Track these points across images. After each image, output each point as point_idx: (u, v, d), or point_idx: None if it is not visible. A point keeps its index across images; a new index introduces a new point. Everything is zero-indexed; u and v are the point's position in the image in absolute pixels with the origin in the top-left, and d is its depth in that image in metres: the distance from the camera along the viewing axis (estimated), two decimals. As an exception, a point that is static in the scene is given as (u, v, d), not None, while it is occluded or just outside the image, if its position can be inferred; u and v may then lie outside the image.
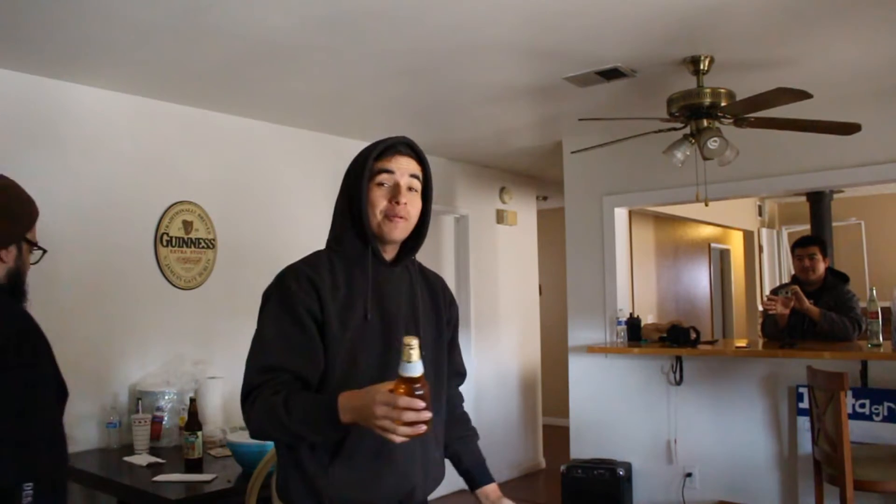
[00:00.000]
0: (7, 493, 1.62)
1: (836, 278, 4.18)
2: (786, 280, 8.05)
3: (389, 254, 1.76)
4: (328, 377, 1.64)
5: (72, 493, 3.24)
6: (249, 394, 1.59)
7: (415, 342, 1.37)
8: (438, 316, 1.85)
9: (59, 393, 1.79)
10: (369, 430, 1.45)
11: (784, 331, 4.07)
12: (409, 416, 1.36)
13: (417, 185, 1.73)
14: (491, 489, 1.88)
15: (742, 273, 8.22)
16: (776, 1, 2.78)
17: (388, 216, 1.69)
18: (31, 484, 1.62)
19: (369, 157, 1.69)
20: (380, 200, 1.68)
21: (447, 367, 1.86)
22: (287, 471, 1.68)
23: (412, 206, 1.71)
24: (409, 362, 1.36)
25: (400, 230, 1.71)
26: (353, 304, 1.67)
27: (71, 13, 2.75)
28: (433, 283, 1.89)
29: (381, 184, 1.69)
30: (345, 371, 1.64)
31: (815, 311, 3.98)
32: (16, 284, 1.97)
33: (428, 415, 1.37)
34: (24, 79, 3.41)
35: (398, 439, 1.39)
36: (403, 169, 1.70)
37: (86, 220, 3.59)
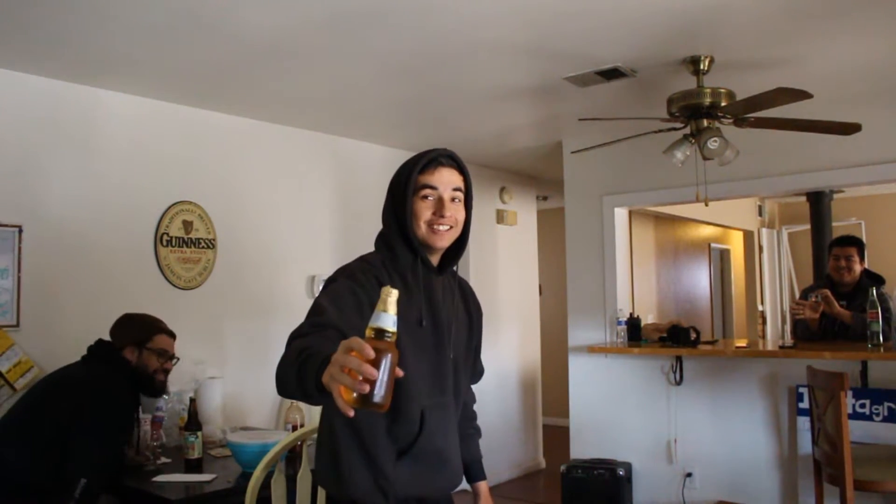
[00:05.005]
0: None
1: (872, 280, 4.03)
2: (786, 278, 8.11)
3: (434, 262, 1.83)
4: None
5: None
6: (295, 338, 1.49)
7: (395, 292, 1.24)
8: (470, 321, 1.95)
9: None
10: (436, 430, 1.65)
11: (816, 334, 4.03)
12: (352, 361, 1.14)
13: (460, 196, 1.79)
14: (482, 486, 2.06)
15: (742, 273, 8.22)
16: (776, 1, 2.78)
17: (432, 226, 1.75)
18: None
19: (413, 170, 1.74)
20: (424, 212, 1.74)
21: (469, 369, 1.97)
22: (353, 464, 1.71)
23: (458, 214, 1.78)
24: (385, 312, 1.23)
25: (446, 238, 1.77)
26: (407, 309, 1.70)
27: (67, 13, 2.75)
28: (465, 290, 1.98)
29: (425, 197, 1.75)
30: None
31: (846, 315, 3.90)
32: (134, 377, 2.93)
33: (371, 371, 1.15)
34: (24, 79, 3.41)
35: (338, 400, 1.16)
36: (446, 183, 1.76)
37: (86, 219, 3.59)
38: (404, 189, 1.74)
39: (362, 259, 1.80)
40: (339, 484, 1.73)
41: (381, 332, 1.21)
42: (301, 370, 1.32)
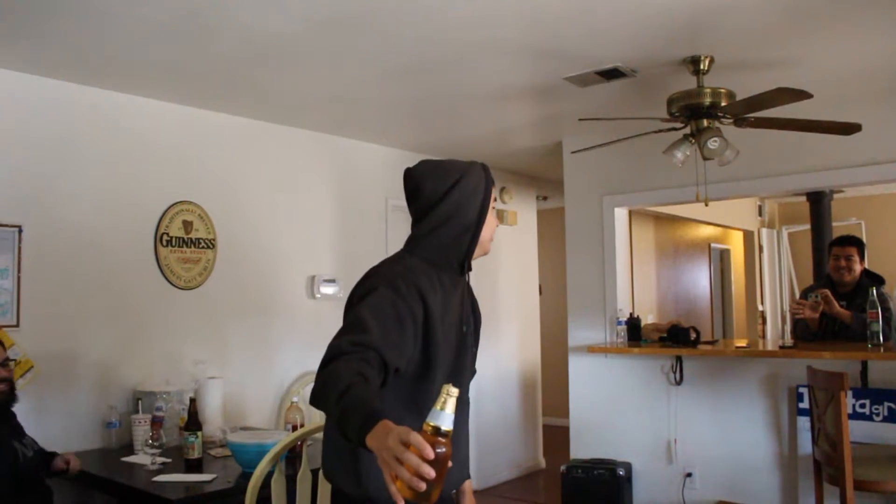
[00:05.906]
0: None
1: (872, 280, 4.02)
2: (786, 278, 8.10)
3: None
4: (407, 370, 1.72)
5: (72, 494, 3.24)
6: (336, 357, 1.55)
7: (455, 392, 1.25)
8: (475, 319, 2.01)
9: None
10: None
11: (817, 334, 4.04)
12: (412, 459, 1.19)
13: None
14: (466, 484, 2.08)
15: (742, 273, 8.22)
16: (776, 1, 2.78)
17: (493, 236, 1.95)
18: None
19: (489, 183, 1.88)
20: (493, 223, 1.92)
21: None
22: (373, 462, 1.67)
23: None
24: (444, 411, 1.24)
25: None
26: (446, 311, 1.79)
27: (67, 11, 2.75)
28: (469, 289, 2.06)
29: (493, 209, 1.92)
30: (424, 368, 1.75)
31: (846, 315, 3.90)
32: None
33: (429, 472, 1.19)
34: (23, 79, 3.41)
35: (391, 485, 1.23)
36: None
37: (86, 219, 3.59)
38: (486, 201, 1.85)
39: (402, 263, 1.80)
40: (358, 483, 1.74)
41: (438, 430, 1.24)
42: (343, 416, 1.38)
